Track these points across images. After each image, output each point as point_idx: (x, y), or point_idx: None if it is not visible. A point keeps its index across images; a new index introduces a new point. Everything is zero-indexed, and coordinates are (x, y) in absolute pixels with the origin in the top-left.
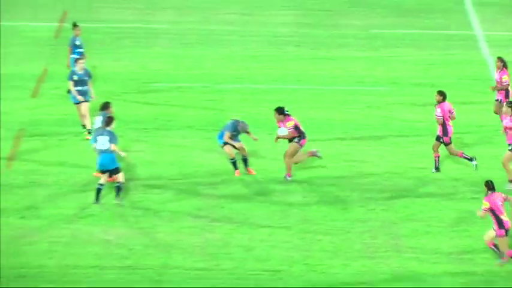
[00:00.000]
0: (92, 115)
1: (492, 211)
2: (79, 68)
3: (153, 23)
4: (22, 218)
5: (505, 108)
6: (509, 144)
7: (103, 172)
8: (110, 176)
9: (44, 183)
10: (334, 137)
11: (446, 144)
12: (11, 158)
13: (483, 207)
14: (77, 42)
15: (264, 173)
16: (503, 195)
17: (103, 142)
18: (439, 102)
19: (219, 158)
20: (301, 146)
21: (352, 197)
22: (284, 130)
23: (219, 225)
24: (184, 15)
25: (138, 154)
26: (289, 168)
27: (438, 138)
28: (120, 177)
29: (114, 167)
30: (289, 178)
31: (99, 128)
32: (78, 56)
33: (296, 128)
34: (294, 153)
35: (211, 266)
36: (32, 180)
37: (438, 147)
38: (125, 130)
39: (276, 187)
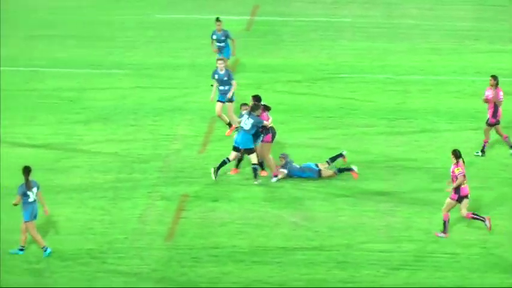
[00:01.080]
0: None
1: (453, 178)
2: (219, 68)
3: (339, 17)
4: (215, 201)
5: None
6: None
7: (236, 150)
8: (237, 166)
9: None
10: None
11: (492, 125)
12: (204, 145)
13: (458, 172)
14: (214, 37)
15: (441, 161)
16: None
17: (246, 123)
18: (494, 86)
19: (400, 145)
20: (264, 141)
21: None
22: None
23: (400, 210)
24: (369, 10)
25: (324, 141)
26: (272, 167)
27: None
28: (253, 158)
29: (248, 147)
30: (275, 178)
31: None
32: (215, 49)
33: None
34: (268, 151)
35: (392, 248)
36: (224, 166)
37: (489, 131)
38: (311, 118)
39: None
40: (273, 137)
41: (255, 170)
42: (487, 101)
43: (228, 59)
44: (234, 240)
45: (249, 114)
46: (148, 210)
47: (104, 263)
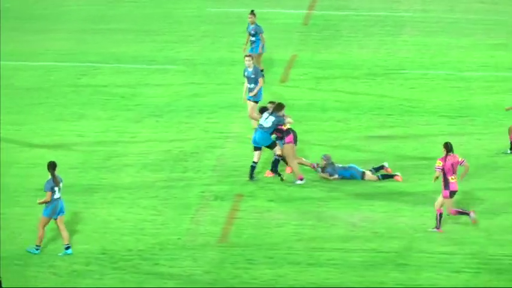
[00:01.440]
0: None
1: (443, 171)
2: (247, 65)
3: (400, 11)
4: (270, 201)
5: None
6: None
7: (256, 149)
8: (274, 171)
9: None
10: None
11: None
12: None
13: (436, 165)
14: (248, 30)
15: (504, 161)
16: (460, 159)
17: (267, 121)
18: None
19: (462, 144)
20: (286, 142)
21: None
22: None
23: None
24: (430, 4)
25: (383, 139)
26: (296, 171)
27: None
28: (277, 150)
29: (268, 144)
30: (300, 181)
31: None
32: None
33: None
34: (292, 154)
35: (454, 250)
36: (280, 165)
37: None
38: (370, 116)
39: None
40: (295, 138)
41: (275, 162)
42: None
43: (259, 54)
44: (289, 241)
45: (271, 113)
46: (201, 211)
47: (155, 264)
